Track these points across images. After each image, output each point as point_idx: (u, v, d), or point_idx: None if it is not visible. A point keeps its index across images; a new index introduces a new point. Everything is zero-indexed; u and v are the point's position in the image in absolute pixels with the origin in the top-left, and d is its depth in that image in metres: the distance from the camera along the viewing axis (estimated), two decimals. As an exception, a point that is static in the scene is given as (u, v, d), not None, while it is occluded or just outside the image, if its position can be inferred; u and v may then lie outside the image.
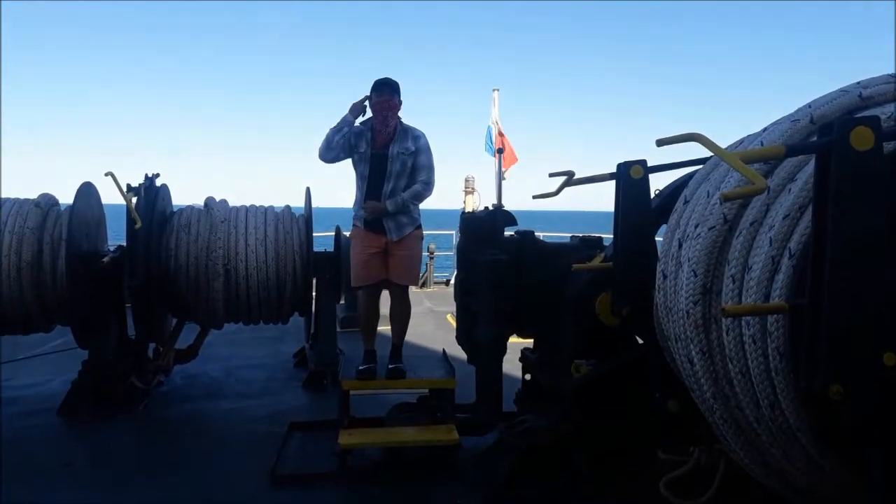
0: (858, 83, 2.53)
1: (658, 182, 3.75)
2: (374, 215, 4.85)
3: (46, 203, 6.26)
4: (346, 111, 4.94)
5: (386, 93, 4.85)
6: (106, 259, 5.89)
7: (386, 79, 4.93)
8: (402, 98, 4.94)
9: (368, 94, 4.91)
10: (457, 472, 4.37)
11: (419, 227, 5.05)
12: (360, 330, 5.10)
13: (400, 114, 4.97)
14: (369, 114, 4.97)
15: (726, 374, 2.54)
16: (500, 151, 12.47)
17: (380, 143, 4.89)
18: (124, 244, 6.04)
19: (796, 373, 2.21)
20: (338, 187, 4.98)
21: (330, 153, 4.91)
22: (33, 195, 6.34)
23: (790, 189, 2.40)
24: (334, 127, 4.90)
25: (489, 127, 12.67)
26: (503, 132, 12.67)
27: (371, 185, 4.91)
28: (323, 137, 4.92)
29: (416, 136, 4.94)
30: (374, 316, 5.08)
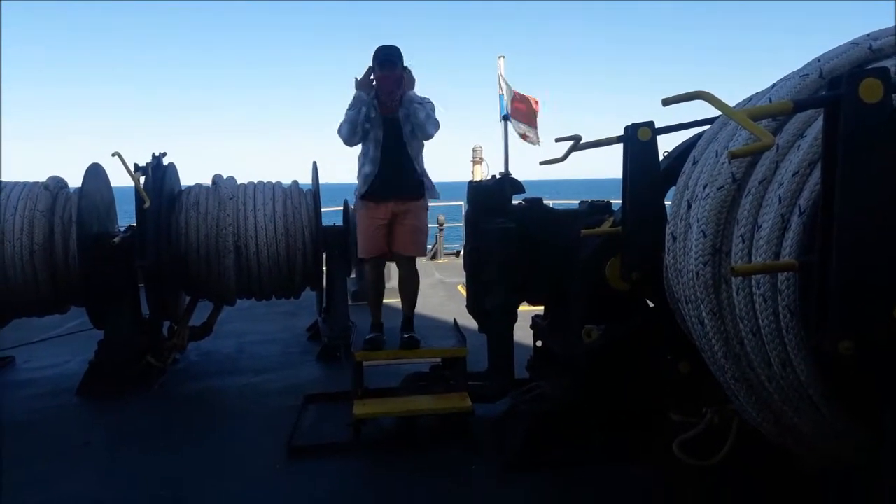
0: (868, 35, 2.47)
1: (666, 144, 3.71)
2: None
3: (56, 185, 6.29)
4: (352, 88, 4.83)
5: (388, 67, 4.76)
6: (117, 239, 5.92)
7: (387, 50, 4.81)
8: (405, 65, 4.86)
9: (371, 64, 4.85)
10: (470, 439, 4.41)
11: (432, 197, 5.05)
12: (369, 301, 5.12)
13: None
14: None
15: (737, 334, 2.53)
16: (506, 118, 12.34)
17: (386, 113, 4.85)
18: (134, 224, 6.07)
19: (807, 330, 2.20)
20: (344, 160, 4.94)
21: (356, 136, 4.79)
22: (42, 178, 6.36)
23: (799, 145, 2.37)
24: (352, 109, 4.75)
25: (500, 95, 12.48)
26: (520, 96, 12.33)
27: (387, 148, 4.81)
28: (343, 122, 4.77)
29: (420, 98, 4.87)
30: (380, 288, 5.09)
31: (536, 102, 12.27)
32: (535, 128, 12.13)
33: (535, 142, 12.14)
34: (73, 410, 5.40)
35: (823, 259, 2.02)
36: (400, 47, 4.86)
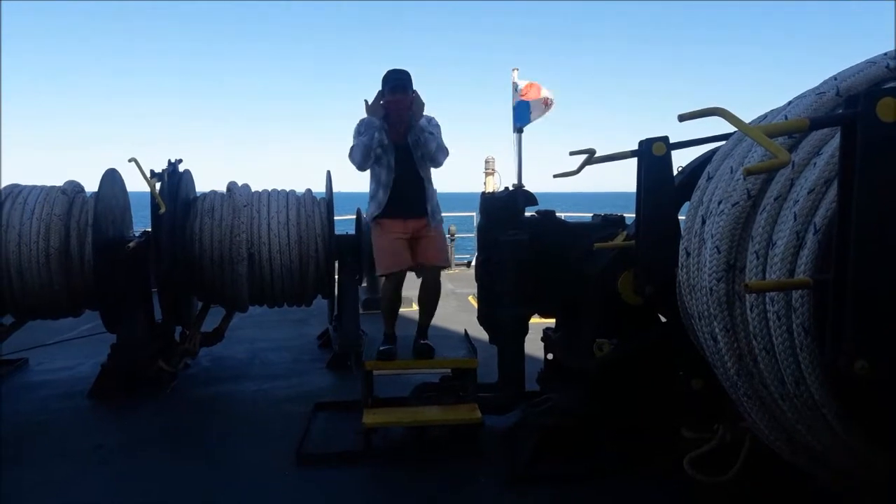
0: (886, 54, 2.47)
1: (680, 159, 3.72)
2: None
3: (72, 190, 6.35)
4: (361, 109, 4.83)
5: (399, 92, 4.75)
6: (131, 244, 5.97)
7: (397, 74, 4.80)
8: (414, 88, 4.85)
9: (381, 87, 4.81)
10: (480, 451, 4.40)
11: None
12: (383, 314, 5.08)
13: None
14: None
15: (750, 351, 2.52)
16: (520, 130, 12.34)
17: (396, 138, 4.86)
18: (149, 230, 6.12)
19: (821, 348, 2.19)
20: (357, 172, 4.93)
21: (369, 162, 4.80)
22: (60, 183, 6.43)
23: (815, 163, 2.37)
24: (365, 135, 4.74)
25: (514, 107, 12.47)
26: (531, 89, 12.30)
27: (399, 174, 4.84)
28: (355, 147, 4.75)
29: (430, 120, 4.87)
30: (398, 302, 5.07)
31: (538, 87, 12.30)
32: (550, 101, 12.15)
33: (550, 100, 12.14)
34: (84, 413, 5.43)
35: (838, 277, 2.02)
36: (410, 71, 4.86)
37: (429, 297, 5.00)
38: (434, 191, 5.01)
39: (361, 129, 4.80)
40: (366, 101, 4.81)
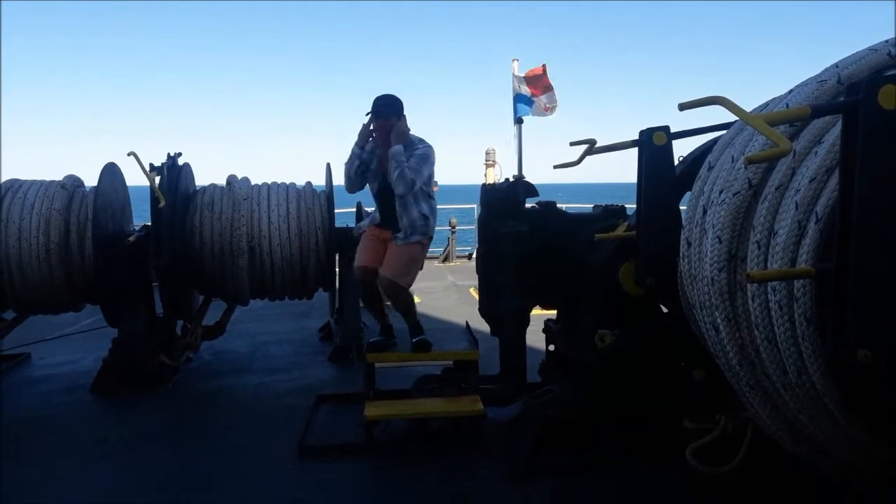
0: (887, 41, 2.45)
1: (681, 148, 3.70)
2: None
3: (72, 184, 6.34)
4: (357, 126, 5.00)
5: (380, 118, 4.84)
6: (131, 238, 5.96)
7: (382, 99, 4.88)
8: (403, 114, 4.91)
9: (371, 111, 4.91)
10: (481, 442, 4.40)
11: (430, 238, 5.06)
12: (369, 311, 5.18)
13: (409, 124, 4.94)
14: None
15: (752, 341, 2.51)
16: (520, 121, 12.31)
17: (384, 162, 4.89)
18: (149, 224, 6.11)
19: (823, 338, 2.18)
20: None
21: (353, 187, 5.04)
22: (59, 177, 6.42)
23: (816, 151, 2.36)
24: (347, 162, 4.99)
25: (514, 98, 12.44)
26: (531, 77, 12.27)
27: (381, 201, 5.02)
28: (343, 174, 5.02)
29: (414, 146, 4.86)
30: (375, 297, 5.06)
31: (544, 67, 12.24)
32: (552, 91, 12.11)
33: (553, 105, 12.11)
34: (87, 408, 5.45)
35: (840, 266, 2.01)
36: (399, 96, 4.95)
37: (394, 308, 4.99)
38: (419, 217, 4.87)
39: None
40: (363, 126, 4.97)
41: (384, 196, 4.97)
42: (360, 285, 5.13)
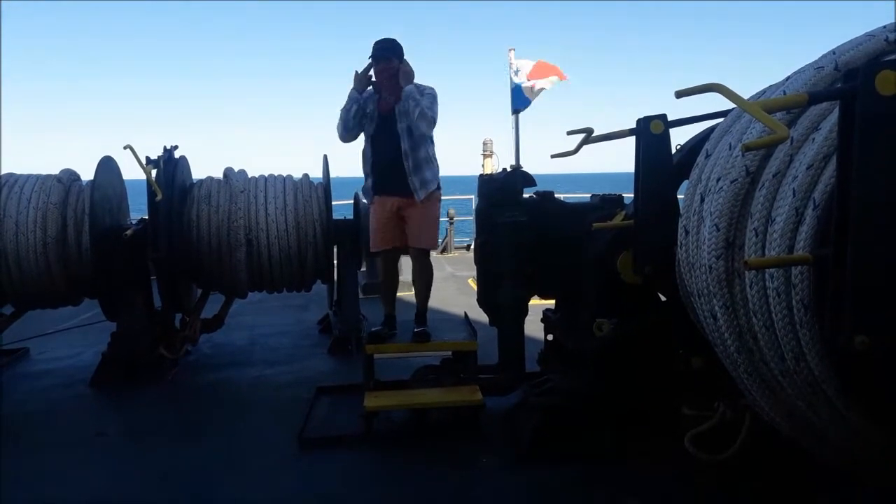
0: (885, 27, 2.44)
1: (679, 137, 3.69)
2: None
3: (68, 178, 6.33)
4: (352, 83, 4.87)
5: (383, 60, 4.76)
6: (129, 232, 5.96)
7: (382, 42, 4.81)
8: (404, 58, 4.84)
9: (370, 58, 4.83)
10: (481, 432, 4.41)
11: (439, 187, 5.02)
12: (381, 295, 5.11)
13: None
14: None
15: (750, 329, 2.52)
16: (518, 111, 12.28)
17: (385, 107, 4.86)
18: (146, 217, 6.10)
19: (821, 324, 2.19)
20: (354, 154, 4.95)
21: (349, 133, 4.88)
22: (55, 171, 6.41)
23: (814, 138, 2.35)
24: (344, 107, 4.85)
25: (512, 88, 12.40)
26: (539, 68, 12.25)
27: (377, 143, 4.86)
28: (338, 120, 4.87)
29: (421, 88, 4.84)
30: (393, 281, 5.07)
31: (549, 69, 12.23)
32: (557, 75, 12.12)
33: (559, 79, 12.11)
34: (86, 401, 5.45)
35: (838, 253, 2.01)
36: (399, 40, 4.86)
37: (417, 280, 5.01)
38: (425, 161, 4.88)
39: (345, 102, 4.86)
40: (355, 72, 4.86)
41: (381, 141, 4.85)
42: (384, 270, 4.99)
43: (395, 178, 4.84)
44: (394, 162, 4.84)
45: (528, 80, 12.07)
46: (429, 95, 4.80)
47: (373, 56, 4.79)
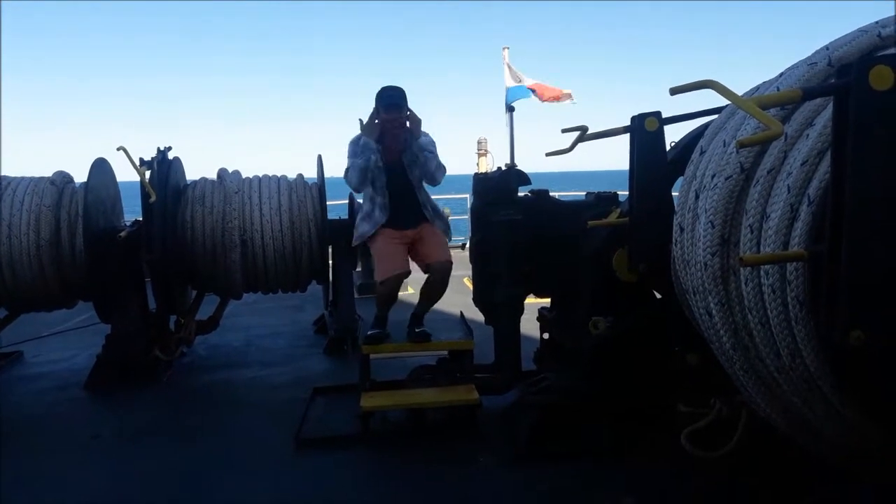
0: (877, 22, 2.45)
1: (673, 134, 3.70)
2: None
3: (62, 180, 6.29)
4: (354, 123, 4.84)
5: (394, 111, 4.69)
6: (123, 234, 5.93)
7: (390, 92, 4.73)
8: (408, 105, 4.79)
9: (375, 103, 4.74)
10: (478, 431, 4.41)
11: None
12: (378, 304, 5.00)
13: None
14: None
15: (745, 325, 2.52)
16: (512, 109, 12.30)
17: (391, 156, 4.82)
18: (140, 219, 6.08)
19: (817, 321, 2.19)
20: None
21: (366, 184, 4.80)
22: (48, 174, 6.37)
23: (808, 134, 2.35)
24: (361, 157, 4.71)
25: (508, 88, 12.42)
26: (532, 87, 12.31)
27: (395, 194, 4.84)
28: (352, 169, 4.73)
29: (428, 140, 4.87)
30: (394, 298, 5.03)
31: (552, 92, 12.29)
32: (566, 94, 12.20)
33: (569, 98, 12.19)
34: (81, 404, 5.43)
35: (833, 248, 2.01)
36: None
37: (433, 291, 4.96)
38: (427, 194, 5.01)
39: (357, 150, 4.77)
40: (360, 121, 4.77)
41: (396, 189, 4.84)
42: (389, 291, 4.89)
43: (410, 216, 4.90)
44: (409, 204, 4.89)
45: (537, 95, 12.18)
46: (433, 144, 4.87)
47: (385, 105, 4.70)
